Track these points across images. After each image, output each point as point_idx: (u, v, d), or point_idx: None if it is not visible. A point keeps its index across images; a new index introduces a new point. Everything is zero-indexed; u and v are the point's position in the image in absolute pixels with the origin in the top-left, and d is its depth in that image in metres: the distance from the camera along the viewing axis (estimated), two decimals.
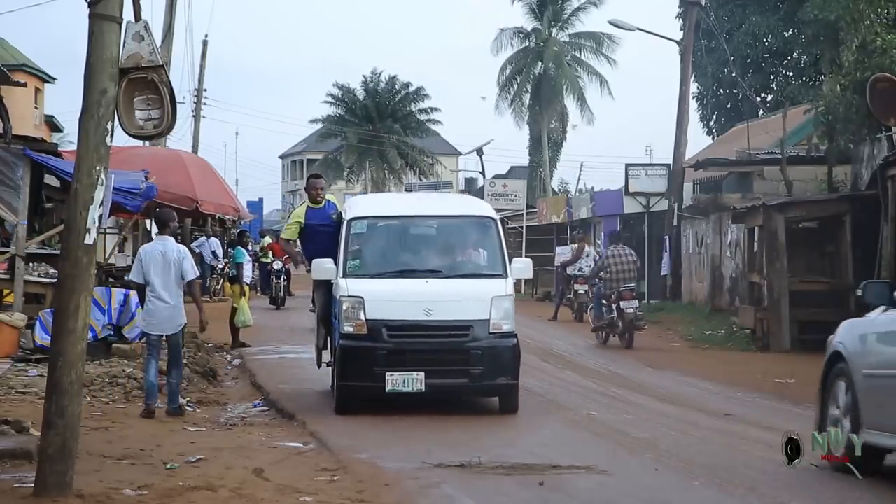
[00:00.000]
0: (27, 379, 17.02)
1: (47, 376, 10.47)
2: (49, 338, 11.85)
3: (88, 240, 10.18)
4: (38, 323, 19.16)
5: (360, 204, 17.40)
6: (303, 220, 16.95)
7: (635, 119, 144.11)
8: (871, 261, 24.54)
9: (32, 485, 10.10)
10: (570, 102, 73.53)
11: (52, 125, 51.43)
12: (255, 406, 17.12)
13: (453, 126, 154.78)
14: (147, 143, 31.48)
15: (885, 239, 24.18)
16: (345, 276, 15.60)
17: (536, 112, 73.04)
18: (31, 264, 20.82)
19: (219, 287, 38.70)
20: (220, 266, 38.53)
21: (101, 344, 19.34)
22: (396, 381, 15.00)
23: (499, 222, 16.20)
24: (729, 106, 55.43)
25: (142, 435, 13.81)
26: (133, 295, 20.47)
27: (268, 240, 42.71)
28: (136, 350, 19.33)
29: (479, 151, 71.09)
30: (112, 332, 19.92)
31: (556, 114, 74.07)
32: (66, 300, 10.18)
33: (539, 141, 73.37)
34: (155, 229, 19.29)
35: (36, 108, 43.77)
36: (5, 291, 21.22)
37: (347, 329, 15.17)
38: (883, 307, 11.08)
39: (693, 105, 50.51)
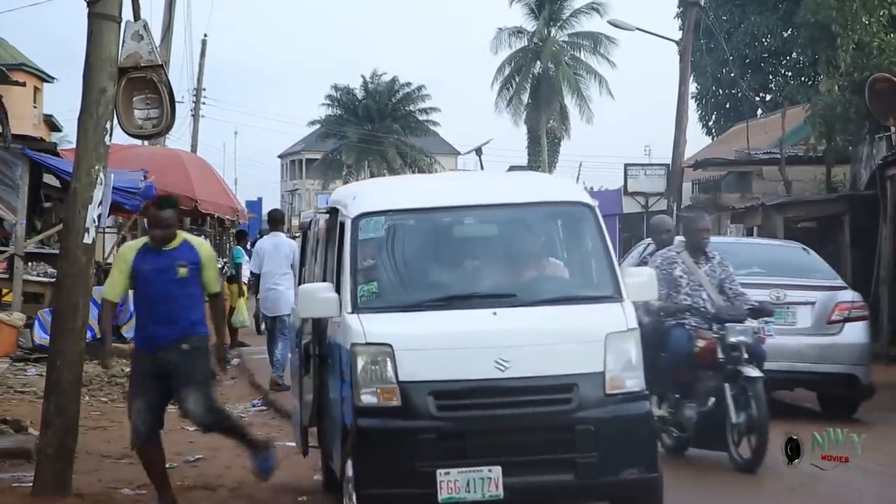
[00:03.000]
0: (26, 378, 17.03)
1: (46, 375, 10.51)
2: (48, 337, 11.88)
3: (87, 239, 10.20)
4: (36, 322, 19.16)
5: (369, 194, 10.28)
6: (129, 267, 10.32)
7: (634, 119, 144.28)
8: (870, 261, 24.54)
9: (31, 484, 10.11)
10: (569, 101, 73.63)
11: (51, 124, 51.40)
12: (254, 406, 17.11)
13: (452, 126, 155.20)
14: (146, 143, 31.46)
15: (883, 239, 24.18)
16: (355, 310, 9.15)
17: (535, 111, 73.07)
18: (30, 263, 20.83)
19: None
20: (220, 266, 38.59)
21: (100, 343, 19.32)
22: (455, 485, 8.75)
23: (598, 212, 9.90)
24: (728, 106, 55.41)
25: None
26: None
27: None
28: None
29: (478, 151, 70.99)
30: None
31: (554, 113, 74.08)
32: (65, 299, 10.20)
33: (538, 140, 73.39)
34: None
35: (35, 107, 43.79)
36: (4, 290, 21.23)
37: (367, 400, 8.84)
38: None
39: (692, 105, 50.50)
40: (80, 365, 10.38)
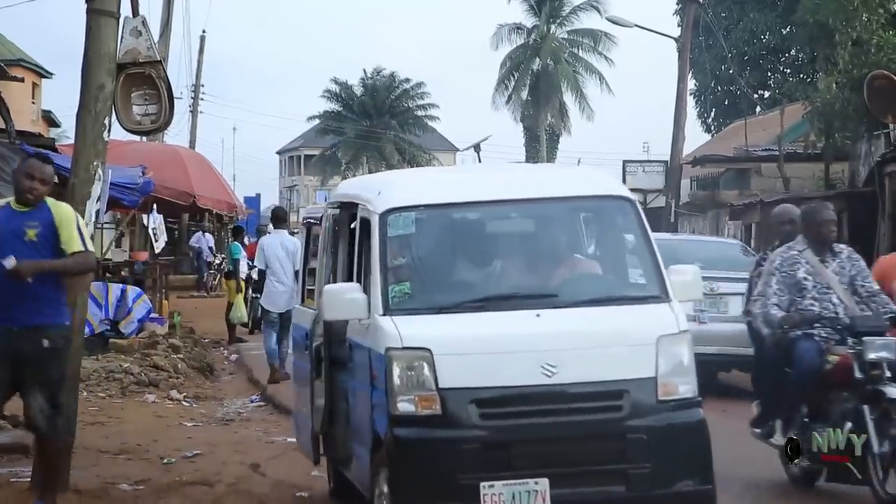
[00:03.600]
0: None
1: None
2: None
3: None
4: None
5: (396, 187, 9.63)
6: None
7: (633, 115, 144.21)
8: (868, 258, 24.54)
9: (29, 479, 10.11)
10: (568, 98, 73.64)
11: (50, 120, 51.39)
12: (252, 401, 17.12)
13: (450, 122, 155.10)
14: (144, 139, 31.47)
15: (882, 236, 24.21)
16: (387, 311, 8.62)
17: (534, 108, 73.06)
18: None
19: (216, 283, 38.69)
20: (218, 262, 38.54)
21: (98, 339, 19.34)
22: (500, 499, 8.22)
23: (639, 207, 9.45)
24: (726, 103, 55.44)
25: (138, 430, 13.83)
26: (130, 290, 20.52)
27: None
28: (133, 345, 19.34)
29: (477, 148, 70.95)
30: (109, 328, 19.92)
31: (553, 110, 74.08)
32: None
33: (536, 137, 73.38)
34: (271, 227, 21.04)
35: (33, 103, 43.78)
36: None
37: (404, 408, 8.33)
38: None
39: (691, 101, 50.54)
40: (77, 360, 10.37)
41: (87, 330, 11.06)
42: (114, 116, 10.62)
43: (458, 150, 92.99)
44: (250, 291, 24.21)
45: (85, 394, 15.55)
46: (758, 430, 10.93)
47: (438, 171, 13.88)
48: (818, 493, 10.49)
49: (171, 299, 26.97)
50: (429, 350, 8.24)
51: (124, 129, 11.25)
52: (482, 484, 8.07)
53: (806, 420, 10.47)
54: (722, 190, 37.64)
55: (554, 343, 8.35)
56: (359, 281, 9.15)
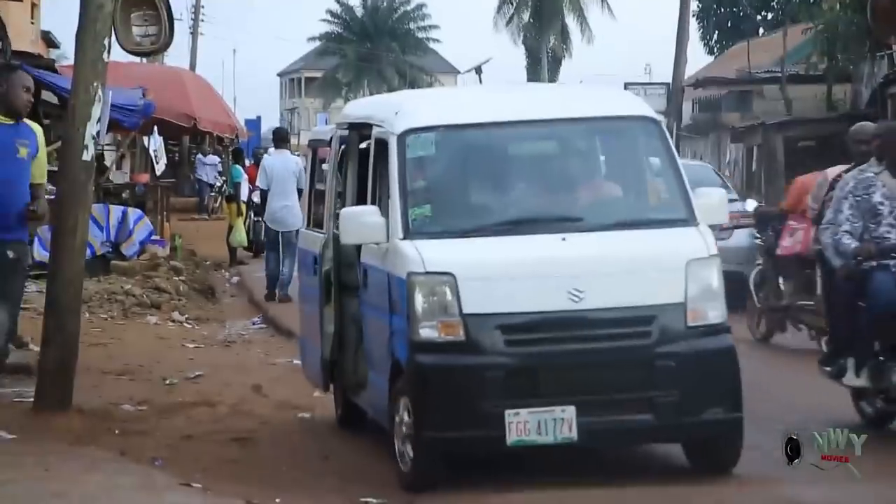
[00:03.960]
0: (26, 295, 16.95)
1: (46, 293, 10.52)
2: (48, 254, 11.88)
3: (86, 156, 10.15)
4: (36, 240, 19.12)
5: (415, 107, 9.38)
6: None
7: (635, 37, 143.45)
8: None
9: (32, 399, 10.16)
10: (570, 21, 73.15)
11: (49, 41, 51.07)
12: (254, 323, 17.18)
13: (451, 44, 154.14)
14: (144, 60, 31.33)
15: None
16: (407, 235, 8.38)
17: (536, 30, 72.61)
18: None
19: (217, 205, 38.68)
20: (219, 184, 38.51)
21: (100, 261, 19.36)
22: (525, 426, 8.01)
23: (665, 128, 9.27)
24: (729, 24, 55.14)
25: (140, 351, 13.88)
26: (131, 212, 20.51)
27: None
28: (135, 267, 19.37)
29: (478, 70, 70.64)
30: (110, 249, 19.94)
31: (555, 32, 73.63)
32: (65, 217, 10.18)
33: (538, 59, 72.99)
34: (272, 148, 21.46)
35: (32, 23, 43.48)
36: None
37: (427, 334, 8.12)
38: None
39: (693, 23, 50.21)
40: (79, 282, 10.39)
41: (88, 252, 11.06)
42: (114, 37, 10.55)
43: (459, 72, 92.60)
44: (252, 214, 24.24)
45: (87, 315, 15.57)
46: (828, 369, 9.98)
47: (458, 91, 13.64)
48: (893, 437, 9.49)
49: (172, 222, 26.98)
50: (452, 275, 8.06)
51: (124, 49, 11.22)
52: (507, 412, 7.92)
53: (881, 358, 9.58)
54: (724, 112, 37.50)
55: (581, 267, 8.17)
56: (372, 204, 8.94)
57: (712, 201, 8.66)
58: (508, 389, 7.98)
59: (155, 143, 28.37)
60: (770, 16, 52.95)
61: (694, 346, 8.17)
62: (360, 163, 9.63)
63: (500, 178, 8.98)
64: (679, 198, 8.62)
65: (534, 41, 73.06)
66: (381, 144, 8.86)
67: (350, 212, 8.79)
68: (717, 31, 56.21)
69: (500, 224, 8.51)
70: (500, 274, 8.16)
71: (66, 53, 48.82)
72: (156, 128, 27.73)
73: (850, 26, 25.61)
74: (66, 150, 10.32)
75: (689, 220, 8.52)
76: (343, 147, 9.93)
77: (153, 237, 21.06)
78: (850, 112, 27.80)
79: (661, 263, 8.29)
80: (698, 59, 66.51)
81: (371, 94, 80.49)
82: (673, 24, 40.51)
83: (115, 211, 20.23)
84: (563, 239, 8.30)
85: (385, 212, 8.53)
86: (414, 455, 8.16)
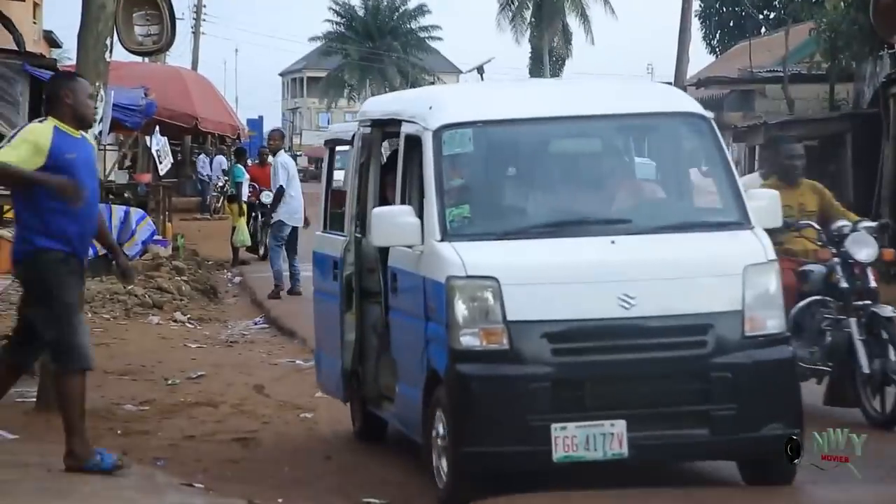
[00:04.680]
0: None
1: None
2: None
3: None
4: None
5: (450, 102, 8.86)
6: (47, 147, 7.83)
7: (637, 37, 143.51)
8: (871, 180, 24.51)
9: (35, 399, 10.17)
10: (571, 20, 73.24)
11: (51, 41, 51.10)
12: (256, 323, 17.17)
13: (453, 44, 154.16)
14: (146, 60, 31.34)
15: (885, 158, 24.13)
16: (445, 237, 7.87)
17: (538, 30, 72.67)
18: None
19: (219, 205, 38.72)
20: (221, 184, 38.55)
21: (102, 260, 19.32)
22: (573, 442, 7.53)
23: (715, 126, 8.62)
24: (731, 23, 55.12)
25: (143, 351, 13.88)
26: (133, 212, 20.52)
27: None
28: (137, 267, 19.36)
29: (481, 70, 70.68)
30: None
31: (557, 32, 73.69)
32: None
33: (540, 58, 73.04)
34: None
35: (34, 23, 43.49)
36: (6, 207, 21.22)
37: (468, 342, 7.62)
38: None
39: (695, 22, 50.23)
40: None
41: (91, 252, 11.04)
42: (115, 37, 10.55)
43: (461, 72, 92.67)
44: (259, 216, 24.04)
45: (89, 315, 15.60)
46: None
47: (494, 85, 12.99)
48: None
49: (174, 222, 27.00)
50: (495, 279, 7.56)
51: (126, 49, 11.23)
52: (553, 426, 7.43)
53: None
54: (726, 112, 37.44)
55: (632, 272, 7.66)
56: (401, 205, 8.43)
57: (764, 203, 8.15)
58: (554, 402, 7.47)
59: (158, 143, 28.38)
60: (772, 15, 52.93)
61: (752, 356, 7.65)
62: (386, 163, 9.28)
63: (543, 178, 8.46)
64: (732, 199, 8.12)
65: (536, 41, 73.14)
66: (413, 141, 8.41)
67: (382, 212, 8.18)
68: (719, 31, 56.19)
69: (544, 226, 8.01)
70: (545, 278, 7.64)
71: (68, 53, 48.84)
72: (157, 127, 27.76)
73: (853, 25, 25.58)
74: None
75: (743, 222, 8.01)
76: (365, 146, 9.46)
77: (155, 237, 21.08)
78: (853, 111, 27.79)
79: (717, 268, 7.78)
80: (700, 58, 66.62)
81: (374, 94, 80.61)
82: (675, 23, 40.59)
83: (118, 211, 20.25)
84: (612, 242, 7.80)
85: (419, 212, 8.01)
86: (451, 471, 7.67)
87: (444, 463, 7.72)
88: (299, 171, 23.59)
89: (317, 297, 10.39)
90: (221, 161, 38.78)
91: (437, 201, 7.88)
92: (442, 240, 7.79)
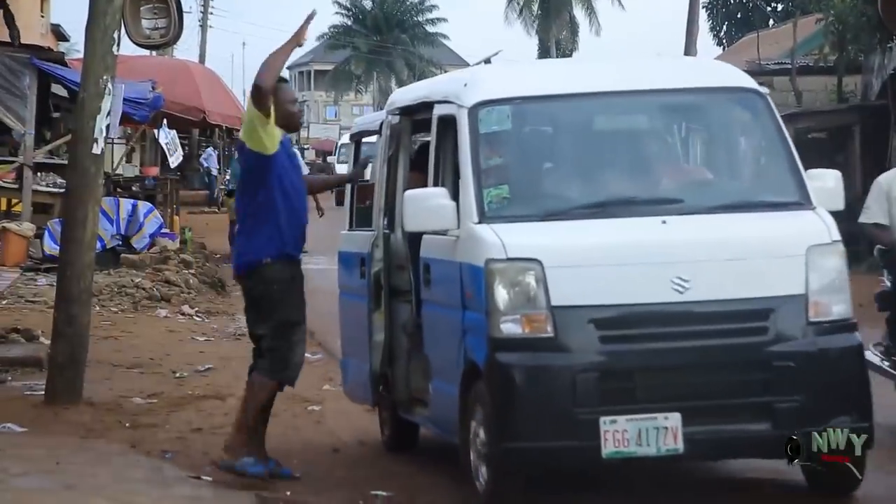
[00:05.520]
0: (36, 288, 17.09)
1: (56, 286, 10.55)
2: (58, 247, 11.92)
3: (96, 149, 10.19)
4: (46, 232, 19.20)
5: (487, 78, 8.39)
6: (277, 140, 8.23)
7: (644, 29, 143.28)
8: (879, 172, 24.46)
9: (43, 392, 10.18)
10: (578, 12, 73.17)
11: (59, 34, 51.12)
12: None
13: (461, 37, 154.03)
14: (154, 53, 31.34)
15: (893, 149, 24.12)
16: (483, 219, 7.38)
17: (545, 22, 72.62)
18: (39, 174, 20.82)
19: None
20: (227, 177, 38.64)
21: (110, 254, 19.40)
22: (623, 436, 6.97)
23: (772, 102, 8.04)
24: (739, 16, 54.98)
25: (151, 344, 13.89)
26: (141, 205, 20.55)
27: None
28: (145, 260, 19.40)
29: (488, 62, 70.42)
30: (120, 242, 19.99)
31: (564, 24, 73.63)
32: (75, 210, 10.21)
33: (548, 51, 72.97)
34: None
35: (42, 16, 43.51)
36: (14, 201, 21.26)
37: (509, 330, 7.11)
38: None
39: (703, 15, 50.16)
40: (89, 275, 10.41)
41: (98, 245, 11.11)
42: (123, 30, 10.56)
43: (468, 65, 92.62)
44: None
45: (97, 308, 15.61)
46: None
47: (533, 63, 11.87)
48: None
49: (181, 215, 27.01)
50: (538, 261, 7.06)
51: (133, 42, 11.24)
52: (602, 419, 6.91)
53: None
54: None
55: (686, 254, 7.16)
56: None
57: (829, 184, 7.60)
58: (603, 393, 6.95)
59: (167, 136, 28.37)
60: (780, 7, 52.83)
61: (817, 344, 7.14)
62: (418, 152, 8.87)
63: (586, 156, 7.93)
64: (791, 178, 7.63)
65: (543, 33, 73.11)
66: (446, 122, 7.97)
67: (415, 194, 7.63)
68: (726, 23, 56.06)
69: (589, 206, 7.47)
70: (592, 261, 7.12)
71: (75, 46, 48.90)
72: (165, 121, 27.76)
73: (861, 17, 25.54)
74: (76, 143, 10.35)
75: (804, 202, 7.51)
76: (394, 135, 8.94)
77: (163, 230, 21.10)
78: (861, 103, 27.75)
79: (778, 250, 7.25)
80: (708, 50, 66.45)
81: (381, 87, 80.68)
82: (682, 15, 40.53)
83: (126, 204, 20.29)
84: (664, 222, 7.28)
85: (454, 196, 7.54)
86: (492, 471, 7.15)
87: (483, 464, 7.25)
88: (307, 164, 23.58)
89: (342, 299, 9.84)
90: (210, 154, 38.81)
91: (473, 182, 7.41)
92: (479, 222, 7.31)
